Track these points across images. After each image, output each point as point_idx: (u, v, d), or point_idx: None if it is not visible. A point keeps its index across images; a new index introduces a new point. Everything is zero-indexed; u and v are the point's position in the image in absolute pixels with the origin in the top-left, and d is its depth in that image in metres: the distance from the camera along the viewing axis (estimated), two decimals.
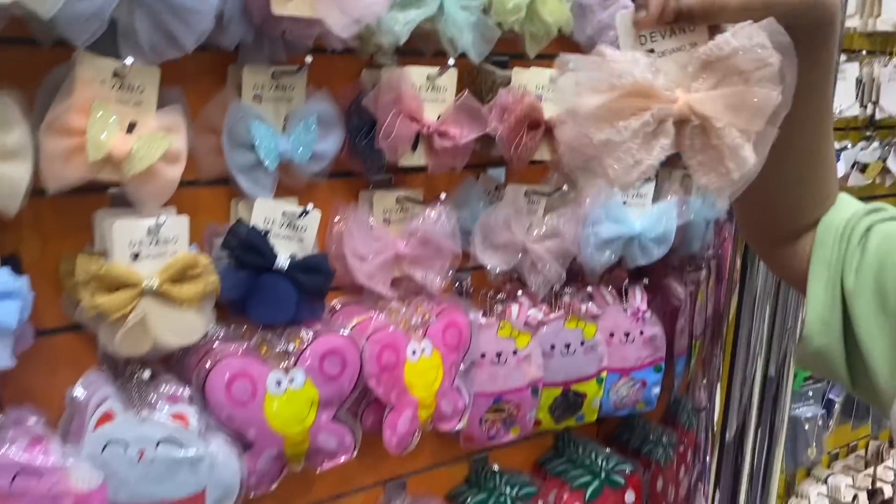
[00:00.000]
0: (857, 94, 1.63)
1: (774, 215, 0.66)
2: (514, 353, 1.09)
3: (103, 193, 0.83)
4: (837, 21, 0.57)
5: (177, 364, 0.88)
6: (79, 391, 0.83)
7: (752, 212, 0.68)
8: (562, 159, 1.01)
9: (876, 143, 1.68)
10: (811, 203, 0.63)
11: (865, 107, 1.66)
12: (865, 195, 1.49)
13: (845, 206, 0.64)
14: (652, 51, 0.54)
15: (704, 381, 1.41)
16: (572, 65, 0.53)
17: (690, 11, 0.52)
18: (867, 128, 1.71)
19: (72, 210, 0.83)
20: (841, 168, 1.64)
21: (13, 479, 0.72)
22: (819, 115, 0.61)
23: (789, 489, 1.75)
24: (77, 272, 0.74)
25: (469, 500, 1.18)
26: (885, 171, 1.72)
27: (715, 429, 1.37)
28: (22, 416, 0.78)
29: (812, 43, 0.56)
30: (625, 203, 1.13)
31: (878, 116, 1.68)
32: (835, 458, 1.85)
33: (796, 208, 0.64)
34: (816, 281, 0.61)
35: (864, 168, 1.65)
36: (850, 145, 1.65)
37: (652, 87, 0.51)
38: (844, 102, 1.58)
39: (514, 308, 1.10)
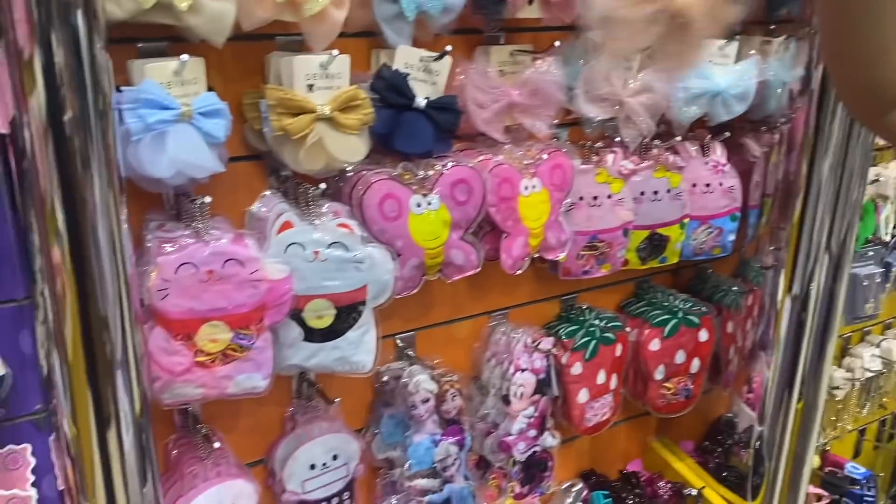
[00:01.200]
0: None
1: (877, 81, 0.62)
2: (609, 196, 1.23)
3: (272, 40, 0.98)
4: None
5: (332, 195, 1.04)
6: (257, 207, 1.00)
7: (854, 80, 0.64)
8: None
9: None
10: None
11: None
12: None
13: None
14: None
15: (772, 248, 1.53)
16: None
17: None
18: None
19: (248, 54, 0.98)
20: None
21: (224, 263, 0.90)
22: None
23: (843, 352, 1.89)
24: (267, 97, 0.90)
25: (561, 329, 1.34)
26: None
27: (781, 287, 1.49)
28: (218, 222, 0.96)
29: None
30: (710, 62, 1.24)
31: None
32: (888, 327, 1.98)
33: None
34: None
35: None
36: None
37: None
38: None
39: (610, 157, 1.23)
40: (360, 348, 1.02)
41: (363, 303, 1.00)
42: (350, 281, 0.98)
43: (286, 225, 0.96)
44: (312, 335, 0.98)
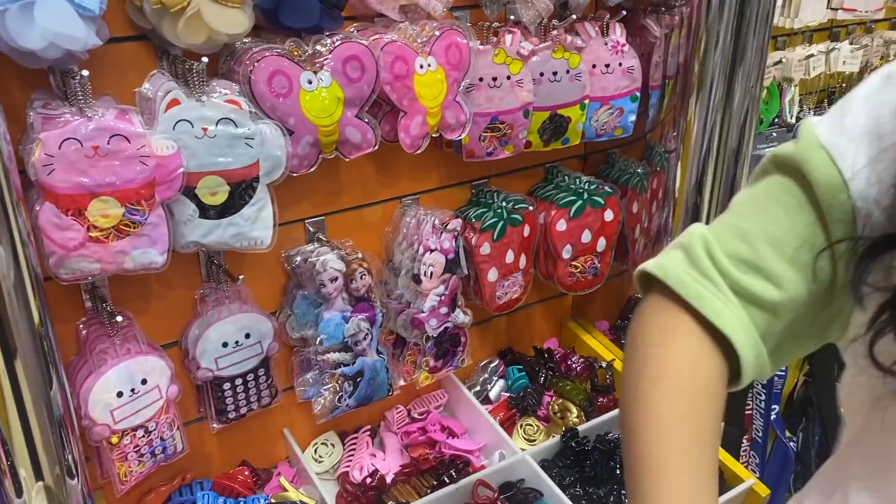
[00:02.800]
0: None
1: None
2: (508, 77, 1.26)
3: None
4: None
5: (223, 74, 1.05)
6: (146, 87, 1.01)
7: None
8: None
9: None
10: None
11: None
12: None
13: None
14: None
15: (675, 133, 1.57)
16: None
17: None
18: None
19: None
20: None
21: (109, 139, 0.91)
22: None
23: None
24: None
25: (471, 212, 1.39)
26: None
27: (678, 173, 1.54)
28: (105, 102, 0.97)
29: None
30: None
31: None
32: None
33: None
34: None
35: None
36: None
37: None
38: None
39: (508, 37, 1.25)
40: (257, 224, 1.05)
41: (256, 179, 1.02)
42: (241, 157, 1.00)
43: (173, 102, 0.97)
44: (207, 212, 1.01)
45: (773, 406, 2.00)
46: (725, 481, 1.35)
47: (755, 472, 1.84)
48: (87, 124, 0.90)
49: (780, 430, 1.99)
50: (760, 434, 2.03)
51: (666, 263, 0.65)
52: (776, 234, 0.61)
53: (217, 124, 0.98)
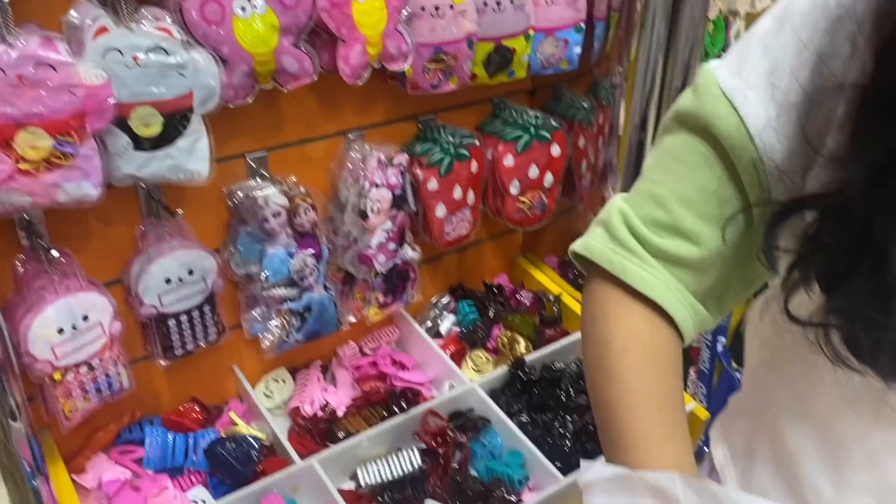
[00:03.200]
0: None
1: None
2: (451, 7, 1.24)
3: None
4: None
5: (153, 2, 1.02)
6: (73, 15, 0.97)
7: None
8: None
9: None
10: None
11: None
12: None
13: None
14: None
15: (620, 69, 1.57)
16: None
17: None
18: None
19: None
20: None
21: (35, 67, 0.88)
22: None
23: None
24: None
25: (418, 147, 1.39)
26: None
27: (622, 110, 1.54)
28: (29, 29, 0.93)
29: None
30: None
31: None
32: None
33: None
34: None
35: None
36: None
37: None
38: None
39: None
40: (193, 156, 1.03)
41: (190, 109, 1.00)
42: (174, 87, 0.98)
43: (102, 30, 0.94)
44: (142, 144, 0.99)
45: (719, 338, 2.06)
46: None
47: (702, 402, 1.90)
48: (10, 52, 0.87)
49: (726, 362, 2.06)
50: (707, 366, 2.10)
51: (590, 241, 0.66)
52: (684, 193, 0.61)
53: (148, 53, 0.95)
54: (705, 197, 0.60)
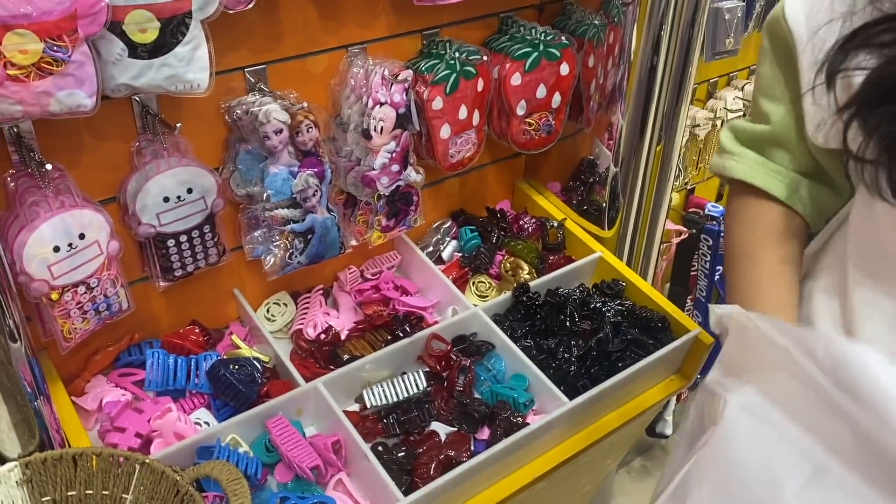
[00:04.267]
0: None
1: None
2: None
3: None
4: None
5: None
6: None
7: None
8: None
9: None
10: None
11: None
12: None
13: None
14: None
15: None
16: None
17: None
18: None
19: None
20: None
21: None
22: None
23: (709, 96, 1.97)
24: None
25: (422, 63, 1.33)
26: None
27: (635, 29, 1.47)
28: None
29: None
30: None
31: None
32: (753, 72, 2.05)
33: None
34: None
35: None
36: None
37: None
38: None
39: None
40: (192, 65, 0.98)
41: (189, 14, 0.94)
42: None
43: None
44: (138, 51, 0.93)
45: (717, 267, 2.06)
46: (672, 332, 1.39)
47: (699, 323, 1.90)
48: None
49: (722, 291, 2.06)
50: (704, 294, 2.10)
51: (714, 160, 0.92)
52: (759, 82, 0.86)
53: None
54: (768, 81, 0.83)
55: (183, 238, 1.16)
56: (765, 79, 0.83)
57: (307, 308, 1.38)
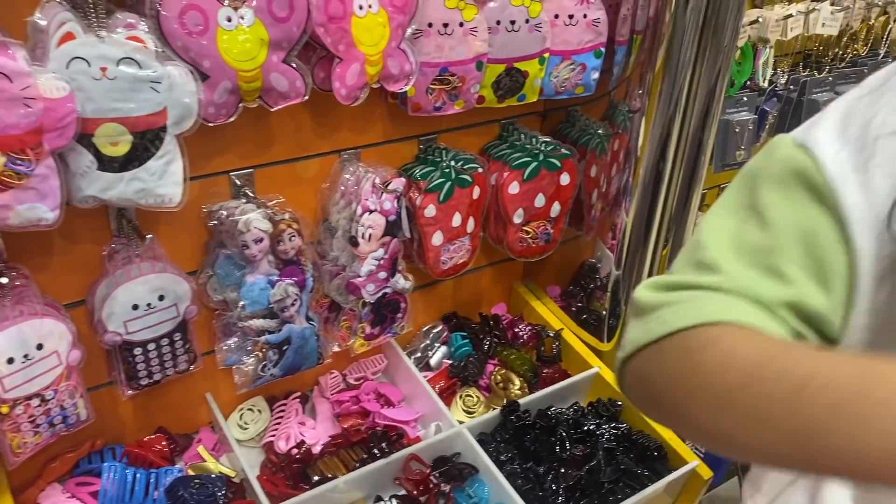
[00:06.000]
0: None
1: None
2: (461, 24, 1.14)
3: None
4: None
5: (129, 6, 0.92)
6: (38, 17, 0.87)
7: None
8: None
9: None
10: None
11: None
12: None
13: None
14: None
15: (640, 91, 1.47)
16: None
17: None
18: None
19: None
20: None
21: None
22: None
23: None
24: None
25: (416, 170, 1.29)
26: None
27: (641, 132, 1.44)
28: None
29: None
30: None
31: None
32: None
33: None
34: None
35: None
36: None
37: None
38: None
39: None
40: (164, 179, 0.93)
41: (164, 128, 0.91)
42: (146, 103, 0.88)
43: (68, 36, 0.84)
44: (108, 164, 0.89)
45: None
46: (669, 462, 1.30)
47: (699, 454, 1.81)
48: None
49: None
50: None
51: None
52: None
53: (118, 64, 0.85)
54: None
55: (151, 346, 1.10)
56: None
57: (282, 417, 1.31)
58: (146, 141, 0.90)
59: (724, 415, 0.48)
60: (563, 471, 1.26)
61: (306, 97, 1.02)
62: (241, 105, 0.98)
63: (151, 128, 0.90)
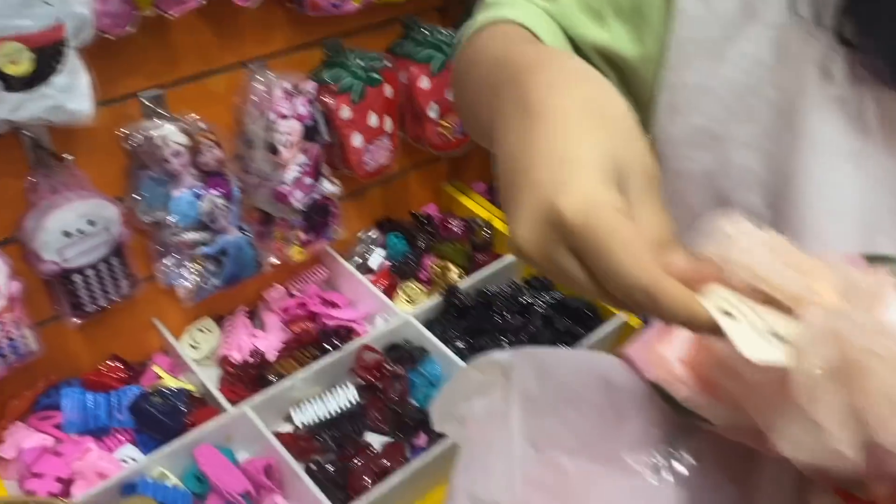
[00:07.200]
0: None
1: None
2: None
3: None
4: None
5: None
6: None
7: None
8: None
9: None
10: None
11: None
12: None
13: None
14: None
15: None
16: None
17: None
18: None
19: None
20: None
21: None
22: None
23: None
24: None
25: (325, 74, 1.32)
26: None
27: None
28: None
29: None
30: None
31: None
32: None
33: None
34: None
35: None
36: None
37: None
38: None
39: None
40: (73, 94, 0.95)
41: (62, 42, 0.92)
42: (41, 19, 0.89)
43: None
44: (13, 84, 0.90)
45: None
46: (601, 317, 1.39)
47: None
48: None
49: None
50: None
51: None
52: None
53: None
54: None
55: (90, 272, 1.13)
56: None
57: (231, 331, 1.35)
58: (47, 57, 0.91)
59: (461, 100, 0.54)
60: (503, 339, 1.34)
61: (203, 1, 1.04)
62: (137, 13, 0.99)
63: (50, 43, 0.91)
